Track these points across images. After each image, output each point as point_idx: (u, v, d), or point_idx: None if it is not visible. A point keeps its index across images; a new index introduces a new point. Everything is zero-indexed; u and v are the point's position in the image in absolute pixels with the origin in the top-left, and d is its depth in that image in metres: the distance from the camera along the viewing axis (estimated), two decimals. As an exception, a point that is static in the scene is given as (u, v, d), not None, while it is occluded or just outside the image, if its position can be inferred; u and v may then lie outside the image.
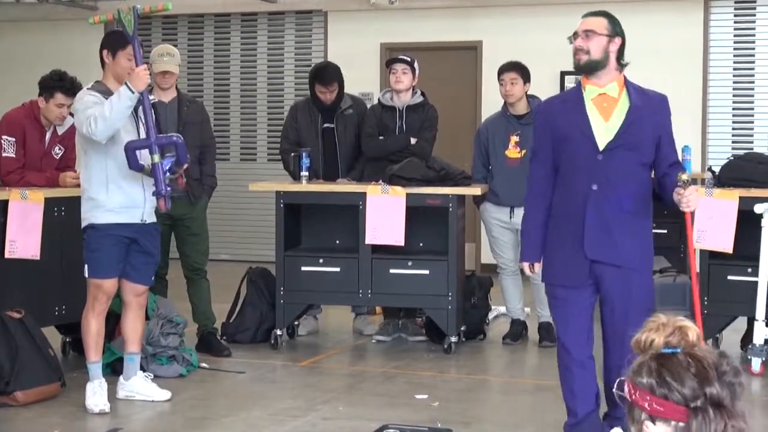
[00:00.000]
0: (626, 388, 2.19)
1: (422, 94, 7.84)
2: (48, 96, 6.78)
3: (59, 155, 7.02)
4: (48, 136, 6.96)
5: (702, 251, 7.12)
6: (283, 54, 12.66)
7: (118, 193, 5.83)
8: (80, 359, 6.77)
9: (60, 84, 6.74)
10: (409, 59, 7.75)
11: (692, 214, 4.67)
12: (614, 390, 2.23)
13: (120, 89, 5.67)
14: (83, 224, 5.90)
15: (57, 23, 13.14)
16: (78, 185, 6.66)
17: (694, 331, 2.20)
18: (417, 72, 7.77)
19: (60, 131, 7.01)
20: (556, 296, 4.81)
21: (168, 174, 5.78)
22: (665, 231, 10.72)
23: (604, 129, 4.60)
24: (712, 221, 6.87)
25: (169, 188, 5.75)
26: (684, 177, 4.51)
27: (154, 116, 5.87)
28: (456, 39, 11.86)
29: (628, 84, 4.68)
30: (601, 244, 4.62)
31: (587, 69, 4.62)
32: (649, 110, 4.63)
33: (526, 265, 4.95)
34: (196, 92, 12.34)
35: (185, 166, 5.94)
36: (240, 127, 12.83)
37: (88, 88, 5.93)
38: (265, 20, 12.72)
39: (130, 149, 5.68)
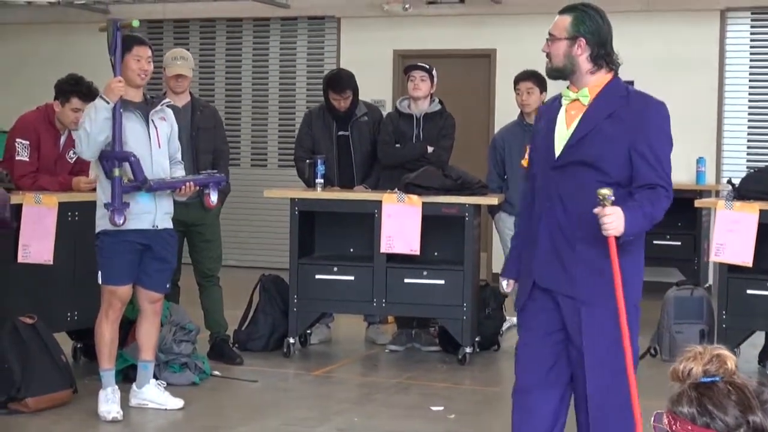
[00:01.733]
0: (665, 420, 2.14)
1: (440, 102, 7.79)
2: (64, 100, 6.72)
3: (74, 159, 6.95)
4: (62, 139, 6.90)
5: (721, 265, 7.05)
6: (296, 60, 12.60)
7: (127, 200, 5.76)
8: (91, 365, 6.72)
9: (76, 88, 6.69)
10: (427, 66, 7.69)
11: (617, 239, 3.76)
12: (652, 422, 2.18)
13: (95, 101, 5.72)
14: (97, 229, 5.84)
15: (68, 26, 13.10)
16: (92, 190, 6.63)
17: (732, 359, 2.16)
18: (435, 79, 7.72)
19: (75, 135, 6.95)
20: (518, 324, 4.18)
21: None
22: (679, 243, 10.70)
23: (563, 140, 3.97)
24: (731, 234, 6.79)
25: (125, 204, 5.70)
26: (604, 192, 3.74)
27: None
28: (469, 47, 11.81)
29: (608, 89, 3.96)
30: (549, 270, 3.96)
31: (552, 77, 4.10)
32: (620, 121, 3.89)
33: (502, 282, 4.29)
34: (208, 97, 12.27)
35: (188, 185, 5.90)
36: (251, 132, 12.77)
37: (100, 96, 5.86)
38: (277, 25, 12.66)
39: (103, 158, 5.74)
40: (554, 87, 7.30)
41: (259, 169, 12.68)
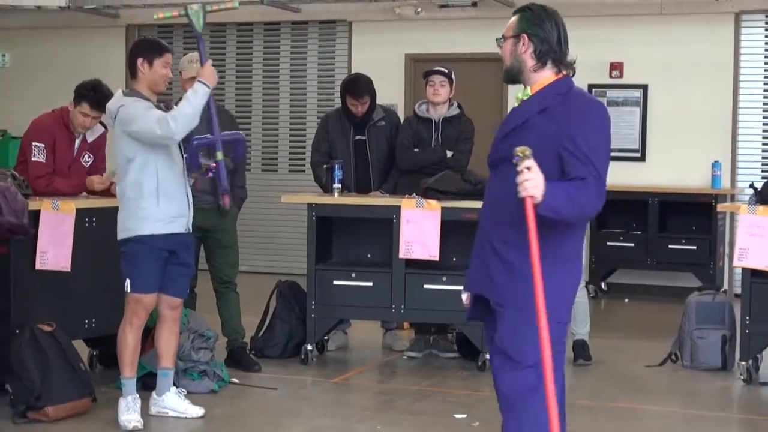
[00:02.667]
0: None
1: (459, 106, 7.73)
2: (76, 102, 6.71)
3: (88, 163, 6.91)
4: (77, 143, 6.86)
5: (744, 270, 6.98)
6: (306, 64, 12.54)
7: (168, 203, 5.71)
8: (108, 373, 6.68)
9: (91, 94, 6.64)
10: (446, 71, 7.63)
11: (537, 206, 3.56)
12: None
13: (195, 86, 5.68)
14: (124, 235, 5.72)
15: (77, 31, 13.03)
16: (105, 189, 6.60)
17: None
18: (454, 84, 7.66)
19: (90, 139, 6.90)
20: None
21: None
22: (694, 247, 10.62)
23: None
24: (754, 239, 6.72)
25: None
26: (521, 149, 3.54)
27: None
28: (481, 51, 11.72)
29: (548, 87, 3.86)
30: (478, 276, 3.91)
31: (507, 80, 3.98)
32: (552, 119, 3.75)
33: (462, 296, 4.09)
34: (218, 101, 12.17)
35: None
36: (262, 137, 12.71)
37: (125, 94, 5.77)
38: (288, 29, 12.60)
39: (194, 148, 5.73)
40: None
41: (270, 173, 12.61)
